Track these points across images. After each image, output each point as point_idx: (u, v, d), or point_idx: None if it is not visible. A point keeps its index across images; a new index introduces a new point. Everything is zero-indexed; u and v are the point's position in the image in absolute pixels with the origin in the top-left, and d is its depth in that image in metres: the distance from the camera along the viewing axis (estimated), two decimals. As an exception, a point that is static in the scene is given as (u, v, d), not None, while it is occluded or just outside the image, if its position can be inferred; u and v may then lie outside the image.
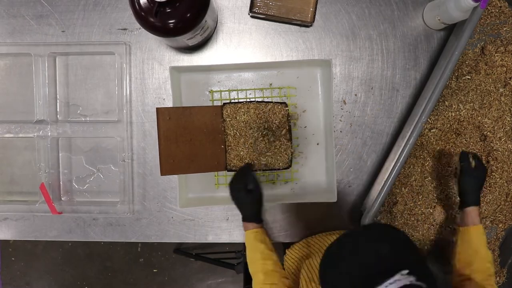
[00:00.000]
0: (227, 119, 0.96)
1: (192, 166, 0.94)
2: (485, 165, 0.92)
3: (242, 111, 0.96)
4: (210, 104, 1.00)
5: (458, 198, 0.87)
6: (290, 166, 0.98)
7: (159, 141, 0.91)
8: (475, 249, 0.80)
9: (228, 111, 0.96)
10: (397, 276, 0.42)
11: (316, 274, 0.80)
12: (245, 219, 0.86)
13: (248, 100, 0.99)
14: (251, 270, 0.82)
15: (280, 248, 1.10)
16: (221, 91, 1.00)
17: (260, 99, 0.99)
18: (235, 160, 0.96)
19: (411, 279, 0.42)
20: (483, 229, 0.83)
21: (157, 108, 0.90)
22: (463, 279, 0.78)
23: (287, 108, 0.97)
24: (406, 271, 0.43)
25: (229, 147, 0.96)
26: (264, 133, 0.96)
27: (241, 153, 0.96)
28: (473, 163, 0.84)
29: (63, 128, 0.99)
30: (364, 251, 0.47)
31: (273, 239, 1.04)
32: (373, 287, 0.42)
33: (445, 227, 0.99)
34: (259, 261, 0.81)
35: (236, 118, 0.96)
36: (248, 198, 0.85)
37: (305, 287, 0.80)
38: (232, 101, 0.99)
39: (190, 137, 0.93)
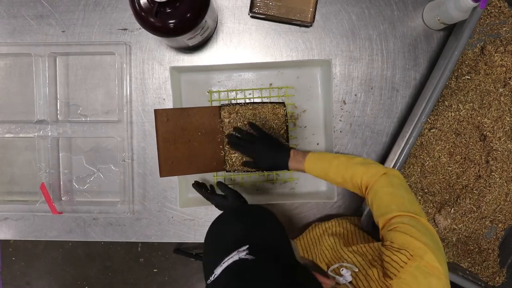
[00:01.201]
0: (225, 120, 0.96)
1: (191, 167, 0.94)
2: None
3: (240, 113, 0.96)
4: (209, 104, 1.00)
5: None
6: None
7: (157, 143, 0.91)
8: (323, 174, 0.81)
9: (226, 112, 0.96)
10: (234, 253, 0.44)
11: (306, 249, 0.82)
12: None
13: (246, 101, 0.99)
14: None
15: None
16: (219, 91, 1.00)
17: (259, 99, 0.99)
18: (234, 160, 0.96)
19: (242, 254, 0.44)
20: (313, 154, 0.83)
21: (155, 110, 0.90)
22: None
23: (284, 108, 0.97)
24: (244, 247, 0.44)
25: (228, 148, 0.96)
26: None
27: (240, 154, 0.96)
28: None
29: (63, 128, 0.99)
30: (224, 230, 0.50)
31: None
32: (219, 264, 0.44)
33: (449, 228, 0.99)
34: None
35: (234, 119, 0.96)
36: (227, 203, 0.86)
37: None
38: (232, 101, 0.99)
39: (189, 138, 0.93)
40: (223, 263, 0.44)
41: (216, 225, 0.52)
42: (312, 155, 0.84)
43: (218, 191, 0.91)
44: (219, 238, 0.49)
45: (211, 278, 0.43)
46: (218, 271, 0.43)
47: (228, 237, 0.48)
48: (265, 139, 0.90)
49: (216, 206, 0.89)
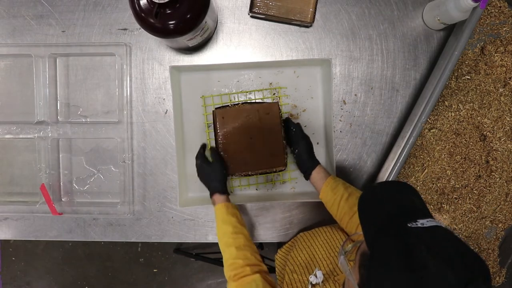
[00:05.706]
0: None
1: (252, 164, 0.96)
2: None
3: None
4: (203, 108, 0.99)
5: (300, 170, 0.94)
6: (285, 166, 0.98)
7: (216, 144, 0.95)
8: (338, 199, 0.83)
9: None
10: (430, 218, 0.51)
11: (298, 265, 0.83)
12: (212, 191, 0.89)
13: (244, 101, 0.98)
14: (221, 244, 0.83)
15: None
16: (212, 96, 0.99)
17: (258, 100, 0.99)
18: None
19: (441, 224, 0.51)
20: (332, 179, 0.86)
21: (213, 111, 0.95)
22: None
23: (280, 109, 0.96)
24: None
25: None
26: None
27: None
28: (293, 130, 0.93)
29: (63, 129, 0.99)
30: (402, 197, 0.57)
31: (272, 239, 1.04)
32: (415, 220, 0.50)
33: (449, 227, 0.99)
34: (231, 235, 0.81)
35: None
36: (209, 168, 0.91)
37: (288, 277, 0.81)
38: (231, 101, 0.99)
39: (250, 135, 0.96)
40: (427, 221, 0.50)
41: (391, 186, 0.60)
42: (328, 183, 0.87)
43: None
44: (401, 199, 0.57)
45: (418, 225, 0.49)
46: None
47: (411, 203, 0.56)
48: (309, 142, 0.94)
49: (197, 166, 0.93)
